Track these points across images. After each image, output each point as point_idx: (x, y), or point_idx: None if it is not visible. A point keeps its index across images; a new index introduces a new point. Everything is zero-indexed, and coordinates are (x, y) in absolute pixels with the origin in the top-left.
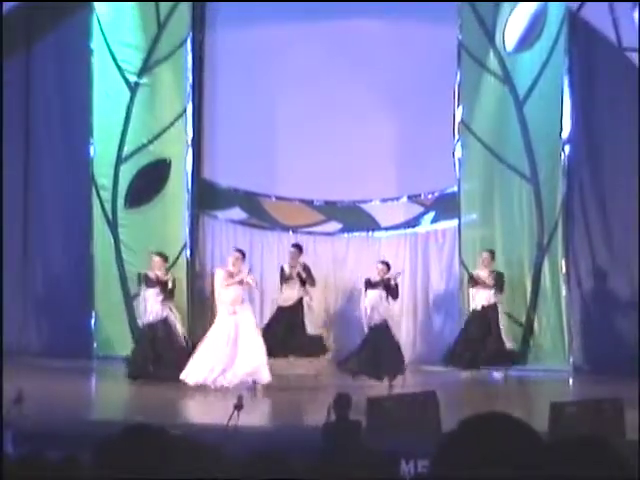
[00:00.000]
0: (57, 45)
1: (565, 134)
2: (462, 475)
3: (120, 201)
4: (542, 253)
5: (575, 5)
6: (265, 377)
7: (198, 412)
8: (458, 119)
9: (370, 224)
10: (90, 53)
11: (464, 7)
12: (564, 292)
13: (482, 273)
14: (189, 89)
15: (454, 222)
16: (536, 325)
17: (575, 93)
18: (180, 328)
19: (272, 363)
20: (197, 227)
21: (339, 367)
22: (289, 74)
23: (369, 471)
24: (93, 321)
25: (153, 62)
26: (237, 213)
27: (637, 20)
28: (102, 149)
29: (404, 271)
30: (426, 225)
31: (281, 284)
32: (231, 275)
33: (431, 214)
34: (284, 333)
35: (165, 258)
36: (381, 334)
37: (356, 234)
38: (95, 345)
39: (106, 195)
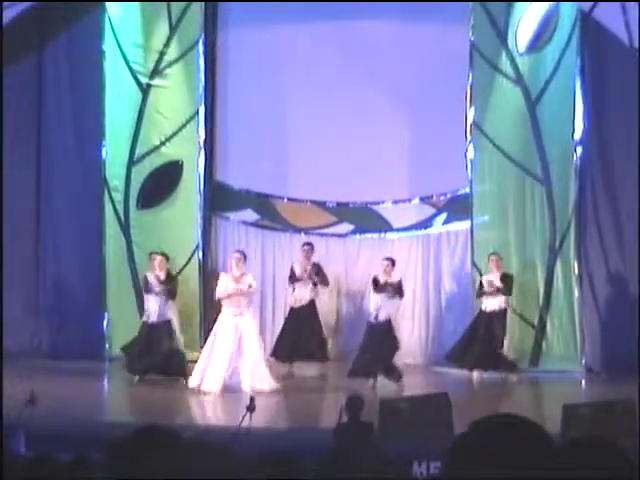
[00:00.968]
0: (69, 46)
1: (577, 135)
2: (474, 477)
3: (132, 202)
4: (554, 254)
5: (587, 6)
6: (265, 386)
7: (210, 413)
8: (470, 120)
9: (382, 225)
10: (102, 54)
11: (476, 8)
12: (576, 293)
13: (492, 277)
14: (201, 90)
15: (466, 223)
16: (548, 327)
17: (587, 94)
18: (178, 330)
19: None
20: (209, 229)
21: (350, 376)
22: (301, 75)
23: (381, 473)
24: (105, 322)
25: (165, 63)
26: (249, 215)
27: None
28: (114, 150)
29: (415, 273)
30: (438, 227)
31: (292, 283)
32: (236, 280)
33: (443, 215)
34: (297, 337)
35: (167, 257)
36: (384, 334)
37: (368, 235)
38: (107, 346)
39: (118, 196)
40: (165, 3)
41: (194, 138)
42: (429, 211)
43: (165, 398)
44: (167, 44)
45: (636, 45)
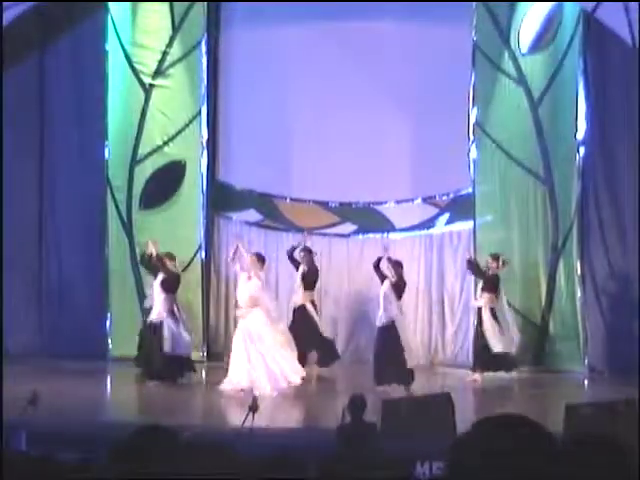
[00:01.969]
0: (72, 46)
1: (580, 135)
2: (477, 476)
3: (135, 203)
4: (557, 254)
5: (590, 6)
6: (265, 387)
7: (212, 413)
8: (473, 120)
9: (385, 226)
10: (105, 54)
11: (479, 8)
12: (579, 293)
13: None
14: (204, 90)
15: (469, 224)
16: (551, 326)
17: (590, 94)
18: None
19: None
20: (212, 229)
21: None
22: (304, 75)
23: (383, 473)
24: (108, 322)
25: (168, 63)
26: (252, 215)
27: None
28: (117, 150)
29: (418, 273)
30: (441, 227)
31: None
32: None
33: (446, 215)
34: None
35: (171, 256)
36: (388, 336)
37: (371, 236)
38: (110, 346)
39: (121, 197)
40: (168, 3)
41: (197, 138)
42: (432, 211)
43: (167, 398)
44: (170, 44)
45: (639, 45)
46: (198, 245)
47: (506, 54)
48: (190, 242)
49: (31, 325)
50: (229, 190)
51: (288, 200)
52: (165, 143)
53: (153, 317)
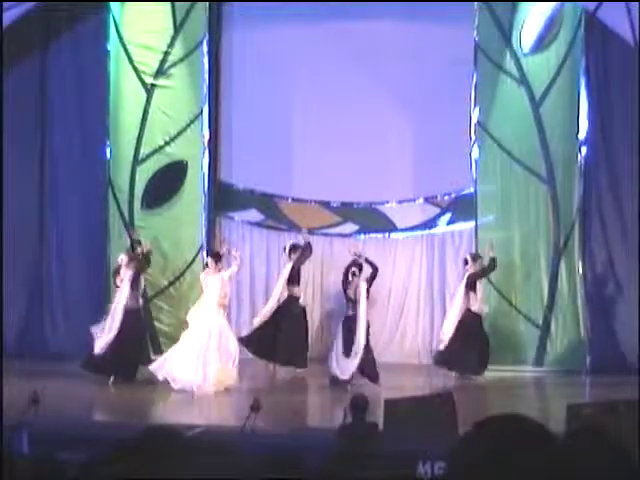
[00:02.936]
0: (74, 46)
1: (582, 135)
2: (479, 477)
3: (137, 202)
4: (559, 254)
5: (592, 6)
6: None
7: (213, 414)
8: (474, 120)
9: (387, 226)
10: (106, 54)
11: (481, 8)
12: (581, 293)
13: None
14: (205, 90)
15: (471, 224)
16: (553, 326)
17: (592, 94)
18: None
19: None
20: (213, 229)
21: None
22: (305, 75)
23: (385, 473)
24: None
25: (169, 63)
26: (253, 215)
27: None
28: (119, 151)
29: (420, 273)
30: (442, 227)
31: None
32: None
33: (447, 215)
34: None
35: (132, 247)
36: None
37: (372, 235)
38: None
39: (123, 197)
40: (169, 3)
41: (198, 138)
42: (433, 211)
43: (169, 398)
44: (171, 44)
45: None
46: (200, 245)
47: (508, 54)
48: (192, 242)
49: (32, 325)
50: (231, 190)
51: (290, 200)
52: (167, 143)
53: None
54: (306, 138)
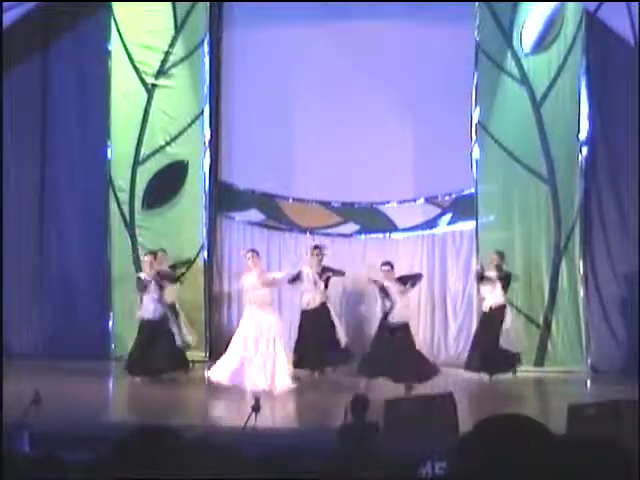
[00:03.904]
0: (74, 46)
1: (582, 135)
2: (479, 477)
3: (137, 203)
4: (559, 254)
5: (592, 6)
6: (278, 386)
7: (214, 413)
8: (475, 120)
9: (387, 226)
10: (107, 54)
11: (481, 8)
12: (582, 293)
13: (492, 274)
14: (206, 90)
15: (471, 224)
16: (554, 326)
17: (592, 94)
18: (177, 328)
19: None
20: (214, 229)
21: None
22: (306, 75)
23: (386, 473)
24: (111, 322)
25: (170, 63)
26: (254, 215)
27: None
28: (119, 150)
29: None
30: (443, 227)
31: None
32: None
33: (448, 216)
34: (314, 343)
35: (155, 255)
36: (399, 337)
37: (373, 236)
38: (113, 346)
39: (123, 197)
40: (170, 4)
41: (199, 138)
42: (434, 211)
43: (170, 398)
44: (172, 44)
45: None
46: (200, 245)
47: (509, 54)
48: (193, 242)
49: (33, 325)
50: (232, 190)
51: (291, 200)
52: (167, 143)
53: (151, 313)
54: (307, 138)
